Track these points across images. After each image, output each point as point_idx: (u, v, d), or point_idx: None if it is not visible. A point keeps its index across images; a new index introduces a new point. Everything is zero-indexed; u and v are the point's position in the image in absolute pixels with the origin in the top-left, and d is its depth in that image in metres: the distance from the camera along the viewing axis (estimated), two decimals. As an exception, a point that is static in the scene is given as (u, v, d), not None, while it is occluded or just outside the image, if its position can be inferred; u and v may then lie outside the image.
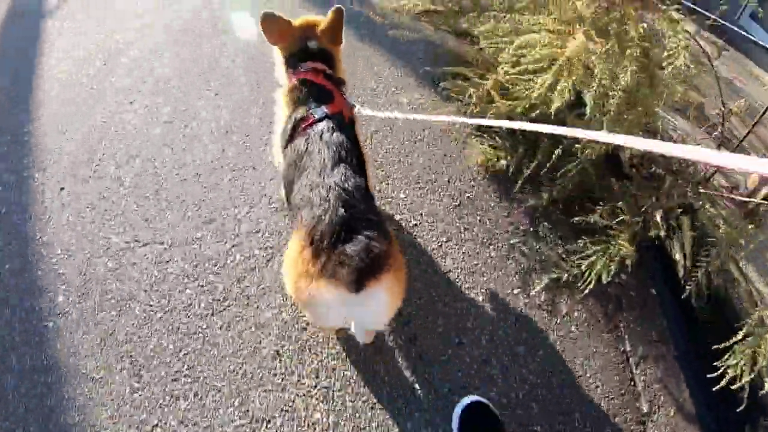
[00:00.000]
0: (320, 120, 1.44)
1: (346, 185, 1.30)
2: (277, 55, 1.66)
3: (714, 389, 1.43)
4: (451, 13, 2.55)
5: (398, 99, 2.58)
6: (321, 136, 1.41)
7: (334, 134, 1.41)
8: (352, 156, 1.39)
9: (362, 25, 3.01)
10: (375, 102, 2.56)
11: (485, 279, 1.92)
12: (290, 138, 1.48)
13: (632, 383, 1.72)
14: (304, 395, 1.63)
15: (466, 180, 2.24)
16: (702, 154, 0.64)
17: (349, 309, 1.34)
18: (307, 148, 1.41)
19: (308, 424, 1.58)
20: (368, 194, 1.37)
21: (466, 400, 1.57)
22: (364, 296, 1.21)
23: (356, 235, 1.21)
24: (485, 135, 2.27)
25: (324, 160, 1.36)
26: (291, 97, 1.55)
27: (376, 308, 1.34)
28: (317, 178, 1.32)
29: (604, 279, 1.70)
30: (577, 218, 1.88)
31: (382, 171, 2.26)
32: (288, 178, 1.45)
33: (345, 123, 1.48)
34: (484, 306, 1.84)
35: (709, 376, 1.45)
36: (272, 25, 1.56)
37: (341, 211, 1.24)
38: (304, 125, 1.46)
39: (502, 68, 1.84)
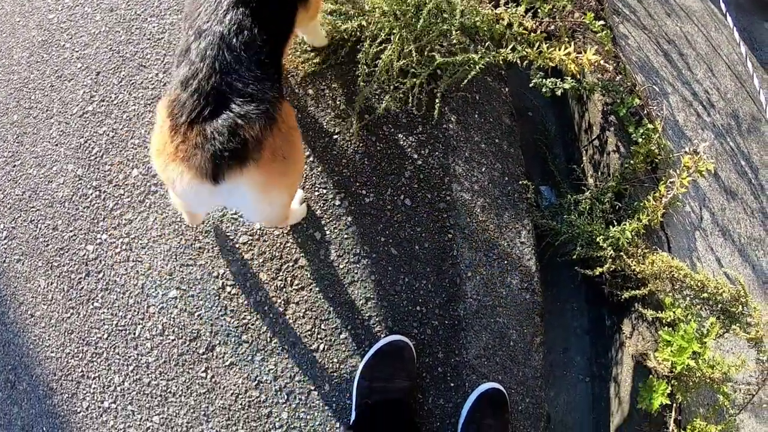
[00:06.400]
0: None
1: (234, 40, 1.03)
2: None
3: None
4: None
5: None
6: None
7: None
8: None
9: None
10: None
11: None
12: None
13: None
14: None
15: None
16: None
17: (213, 199, 1.13)
18: None
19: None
20: (265, 52, 1.08)
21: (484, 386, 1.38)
22: (224, 189, 1.00)
23: (225, 110, 0.98)
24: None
25: None
26: None
27: (243, 204, 1.15)
28: (205, 22, 1.05)
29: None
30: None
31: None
32: (186, 17, 1.13)
33: None
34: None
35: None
36: None
37: (215, 77, 1.00)
38: None
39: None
